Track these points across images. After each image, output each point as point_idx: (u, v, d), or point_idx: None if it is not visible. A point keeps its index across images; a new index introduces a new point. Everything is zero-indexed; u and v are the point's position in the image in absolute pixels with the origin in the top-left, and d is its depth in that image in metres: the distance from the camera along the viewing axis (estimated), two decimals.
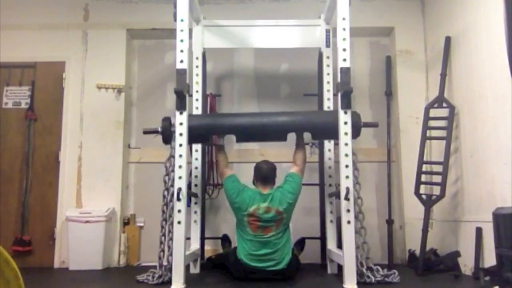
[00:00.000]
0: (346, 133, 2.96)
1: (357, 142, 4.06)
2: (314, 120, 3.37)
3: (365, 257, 3.05)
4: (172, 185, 3.11)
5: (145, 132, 3.33)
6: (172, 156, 3.19)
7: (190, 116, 3.24)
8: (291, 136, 3.38)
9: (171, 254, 3.12)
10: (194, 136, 3.22)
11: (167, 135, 3.20)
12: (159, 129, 3.22)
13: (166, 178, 3.24)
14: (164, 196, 3.21)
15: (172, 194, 3.14)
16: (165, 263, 3.11)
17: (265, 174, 3.31)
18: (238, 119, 3.41)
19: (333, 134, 3.10)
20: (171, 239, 3.15)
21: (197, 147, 3.74)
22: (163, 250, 3.16)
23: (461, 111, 3.58)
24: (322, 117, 3.41)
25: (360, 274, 2.95)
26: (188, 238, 3.44)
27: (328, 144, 3.73)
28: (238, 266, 3.19)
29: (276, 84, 4.44)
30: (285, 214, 3.20)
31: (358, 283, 2.84)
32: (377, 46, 4.48)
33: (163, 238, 3.18)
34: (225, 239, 3.85)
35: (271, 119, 3.35)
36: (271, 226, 3.17)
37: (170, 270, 3.01)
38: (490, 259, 2.92)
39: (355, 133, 3.11)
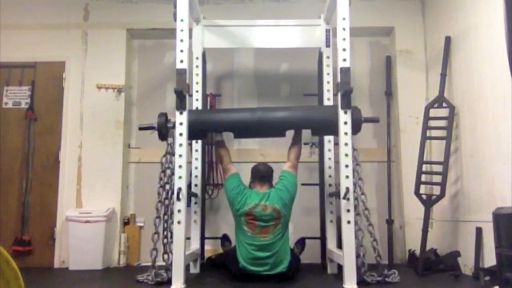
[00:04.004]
0: (346, 133, 2.96)
1: (357, 142, 4.09)
2: (314, 116, 3.31)
3: (361, 261, 3.01)
4: (168, 183, 3.13)
5: (141, 128, 3.30)
6: (168, 153, 3.19)
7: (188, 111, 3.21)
8: (290, 133, 3.35)
9: (165, 253, 3.15)
10: (191, 132, 3.16)
11: (163, 131, 3.17)
12: (155, 125, 3.19)
13: (162, 174, 3.23)
14: (158, 193, 3.20)
15: (167, 192, 3.15)
16: (157, 263, 3.10)
17: (262, 173, 3.32)
18: (235, 115, 3.37)
19: (334, 130, 3.05)
20: (165, 237, 3.17)
21: (197, 147, 3.74)
22: (155, 249, 3.14)
23: (461, 111, 3.58)
24: (321, 113, 3.35)
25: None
26: (188, 238, 3.44)
27: (328, 144, 3.73)
28: (238, 269, 3.19)
29: (276, 84, 4.44)
30: (282, 212, 3.17)
31: (358, 283, 2.84)
32: (377, 46, 4.48)
33: (155, 236, 3.16)
34: (225, 239, 3.85)
35: (270, 114, 3.29)
36: (269, 226, 3.14)
37: (167, 269, 3.04)
38: (490, 259, 2.92)
39: (356, 128, 3.09)
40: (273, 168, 3.38)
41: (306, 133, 4.19)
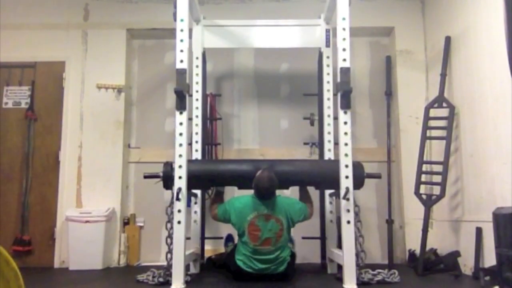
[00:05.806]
0: (346, 133, 2.97)
1: (357, 141, 4.10)
2: (317, 172, 3.27)
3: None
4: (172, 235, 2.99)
5: (146, 177, 3.23)
6: (173, 202, 3.00)
7: (190, 161, 3.18)
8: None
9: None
10: (194, 183, 3.15)
11: (169, 181, 3.08)
12: (161, 174, 3.13)
13: (168, 225, 3.12)
14: (166, 242, 3.12)
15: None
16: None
17: (262, 194, 3.12)
18: (240, 168, 3.27)
19: (337, 185, 2.99)
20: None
21: (197, 147, 3.74)
22: None
23: (461, 111, 3.58)
24: (325, 169, 3.29)
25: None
26: (188, 238, 3.44)
27: (328, 144, 3.73)
28: (238, 269, 3.18)
29: (276, 84, 4.44)
30: (285, 225, 3.13)
31: (358, 283, 2.84)
32: (377, 46, 4.48)
33: None
34: (229, 239, 3.84)
35: (275, 169, 3.16)
36: (271, 238, 3.10)
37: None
38: (490, 259, 2.92)
39: (358, 184, 3.09)
40: (277, 181, 3.10)
41: (305, 133, 4.21)
